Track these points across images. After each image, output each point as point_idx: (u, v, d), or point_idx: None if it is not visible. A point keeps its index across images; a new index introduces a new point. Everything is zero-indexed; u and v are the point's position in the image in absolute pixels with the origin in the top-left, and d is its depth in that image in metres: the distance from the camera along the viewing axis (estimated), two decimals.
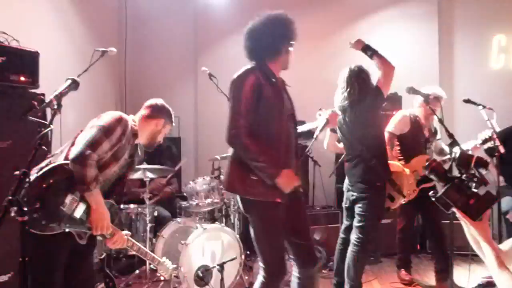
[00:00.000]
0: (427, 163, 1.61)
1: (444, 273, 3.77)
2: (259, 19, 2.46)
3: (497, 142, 3.23)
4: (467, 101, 3.69)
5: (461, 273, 3.89)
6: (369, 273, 4.38)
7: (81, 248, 2.20)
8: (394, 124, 3.84)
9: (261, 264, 2.45)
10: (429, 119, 3.87)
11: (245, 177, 2.34)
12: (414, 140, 3.76)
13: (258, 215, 2.40)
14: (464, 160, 1.62)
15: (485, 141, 3.41)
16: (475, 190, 1.53)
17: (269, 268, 2.41)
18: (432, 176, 1.62)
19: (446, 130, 2.80)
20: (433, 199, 1.56)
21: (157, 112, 2.67)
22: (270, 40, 2.41)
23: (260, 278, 2.45)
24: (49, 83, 3.01)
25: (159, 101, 2.76)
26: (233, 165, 2.41)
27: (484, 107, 3.58)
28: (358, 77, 3.32)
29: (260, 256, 2.44)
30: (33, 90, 3.07)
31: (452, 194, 1.53)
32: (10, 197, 1.35)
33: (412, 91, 3.10)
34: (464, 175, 1.55)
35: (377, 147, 3.29)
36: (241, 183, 2.36)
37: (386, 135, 3.73)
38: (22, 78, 2.98)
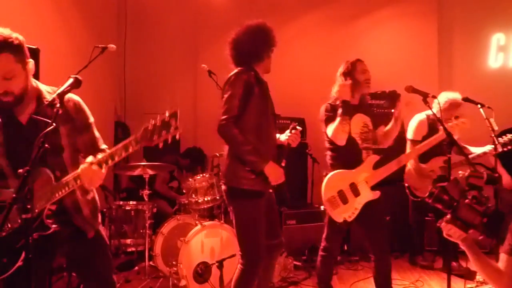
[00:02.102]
0: (429, 192, 1.61)
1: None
2: (241, 29, 2.71)
3: (496, 141, 3.24)
4: (466, 99, 3.71)
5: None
6: (368, 270, 4.40)
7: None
8: (412, 131, 3.87)
9: (240, 252, 2.69)
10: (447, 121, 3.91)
11: (239, 168, 2.59)
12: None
13: (243, 204, 2.64)
14: (475, 178, 1.66)
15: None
16: (484, 210, 1.53)
17: (248, 255, 2.64)
18: (437, 205, 1.61)
19: (445, 129, 2.81)
20: (450, 223, 1.54)
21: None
22: (254, 48, 2.68)
23: (239, 266, 2.68)
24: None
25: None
26: (228, 158, 2.68)
27: (482, 105, 3.60)
28: None
29: (241, 243, 2.68)
30: None
31: (466, 214, 1.51)
32: (15, 195, 1.35)
33: (411, 89, 3.09)
34: (472, 195, 1.55)
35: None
36: (235, 174, 2.61)
37: (408, 144, 3.87)
38: None
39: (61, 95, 1.67)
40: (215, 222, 3.77)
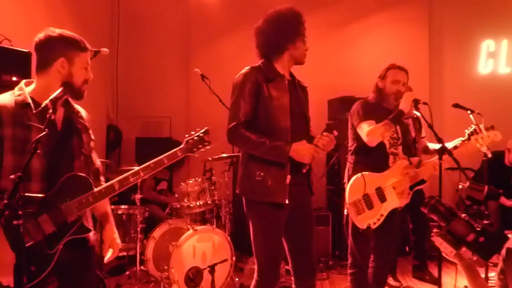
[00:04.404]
0: (426, 201, 1.48)
1: (419, 267, 4.29)
2: (264, 17, 2.44)
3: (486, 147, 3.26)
4: (456, 105, 3.74)
5: (448, 274, 3.97)
6: None
7: None
8: None
9: (256, 266, 2.46)
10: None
11: (250, 178, 2.35)
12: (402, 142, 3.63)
13: (257, 216, 2.40)
14: (475, 191, 1.52)
15: (471, 135, 3.20)
16: (482, 228, 1.38)
17: (261, 271, 2.41)
18: (432, 216, 1.48)
19: (435, 135, 2.83)
20: (439, 237, 1.40)
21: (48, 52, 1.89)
22: (271, 38, 2.40)
23: (253, 280, 2.45)
24: None
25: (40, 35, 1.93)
26: (241, 167, 2.44)
27: (472, 111, 3.63)
28: None
29: (256, 258, 2.44)
30: None
31: (460, 229, 1.36)
32: (6, 201, 1.34)
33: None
34: (468, 210, 1.44)
35: None
36: (247, 184, 2.38)
37: None
38: (14, 78, 2.96)
39: (54, 101, 1.66)
40: (207, 226, 3.77)
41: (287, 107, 2.36)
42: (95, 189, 1.88)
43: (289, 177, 2.31)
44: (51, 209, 1.77)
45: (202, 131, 2.16)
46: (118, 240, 2.10)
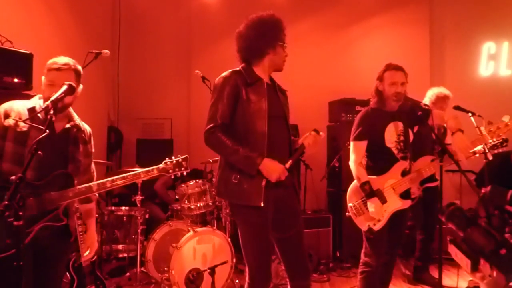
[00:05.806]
0: (443, 207, 1.34)
1: (421, 269, 4.21)
2: (245, 22, 2.50)
3: (486, 149, 3.27)
4: (457, 108, 3.74)
5: (449, 277, 3.97)
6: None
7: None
8: None
9: (246, 269, 2.46)
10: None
11: (227, 181, 2.37)
12: (422, 140, 3.48)
13: (241, 219, 2.41)
14: (498, 195, 1.32)
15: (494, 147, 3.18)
16: (503, 238, 1.21)
17: (251, 273, 2.41)
18: (450, 224, 1.32)
19: (437, 137, 2.84)
20: (453, 244, 1.22)
21: None
22: (253, 43, 2.44)
23: (246, 283, 2.46)
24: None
25: None
26: (219, 170, 2.45)
27: (473, 114, 3.63)
28: None
29: (245, 261, 2.44)
30: (26, 92, 3.06)
31: (477, 238, 1.19)
32: (6, 202, 1.35)
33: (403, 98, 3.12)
34: (490, 216, 1.24)
35: None
36: (225, 187, 2.38)
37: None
38: (16, 80, 2.97)
39: (55, 102, 1.68)
40: (207, 228, 3.77)
41: (264, 111, 2.37)
42: (76, 187, 2.15)
43: (264, 180, 2.30)
44: (37, 195, 2.04)
45: (182, 157, 2.42)
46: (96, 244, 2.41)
